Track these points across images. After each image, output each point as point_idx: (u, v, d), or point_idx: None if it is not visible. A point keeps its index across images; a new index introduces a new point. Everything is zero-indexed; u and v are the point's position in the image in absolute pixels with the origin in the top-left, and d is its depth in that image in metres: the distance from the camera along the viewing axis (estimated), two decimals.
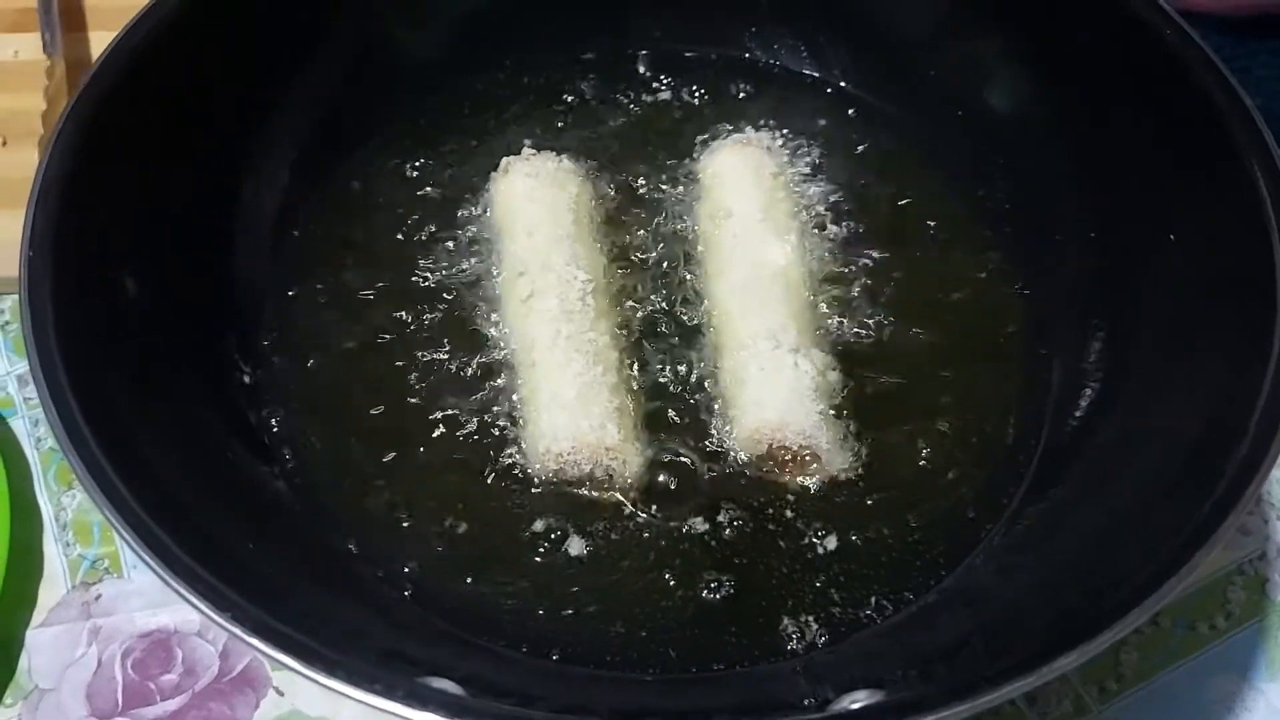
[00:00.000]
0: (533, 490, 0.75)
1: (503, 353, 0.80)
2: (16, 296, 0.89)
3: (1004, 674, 0.53)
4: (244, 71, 0.82)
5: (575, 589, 0.71)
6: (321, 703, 0.75)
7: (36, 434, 0.86)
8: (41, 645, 0.77)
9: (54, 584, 0.80)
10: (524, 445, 0.76)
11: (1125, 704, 0.76)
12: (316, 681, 0.54)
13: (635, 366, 0.80)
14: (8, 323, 0.91)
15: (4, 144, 0.97)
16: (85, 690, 0.76)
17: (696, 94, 0.94)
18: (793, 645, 0.69)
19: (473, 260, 0.86)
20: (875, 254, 0.85)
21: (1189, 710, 0.76)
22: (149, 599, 0.79)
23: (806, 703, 0.55)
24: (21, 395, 0.87)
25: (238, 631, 0.53)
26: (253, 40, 0.82)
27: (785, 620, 0.70)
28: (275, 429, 0.78)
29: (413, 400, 0.79)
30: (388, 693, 0.52)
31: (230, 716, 0.75)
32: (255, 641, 0.53)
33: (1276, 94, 1.25)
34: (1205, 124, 0.72)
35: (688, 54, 0.95)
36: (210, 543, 0.59)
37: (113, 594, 0.79)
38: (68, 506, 0.83)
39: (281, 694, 0.76)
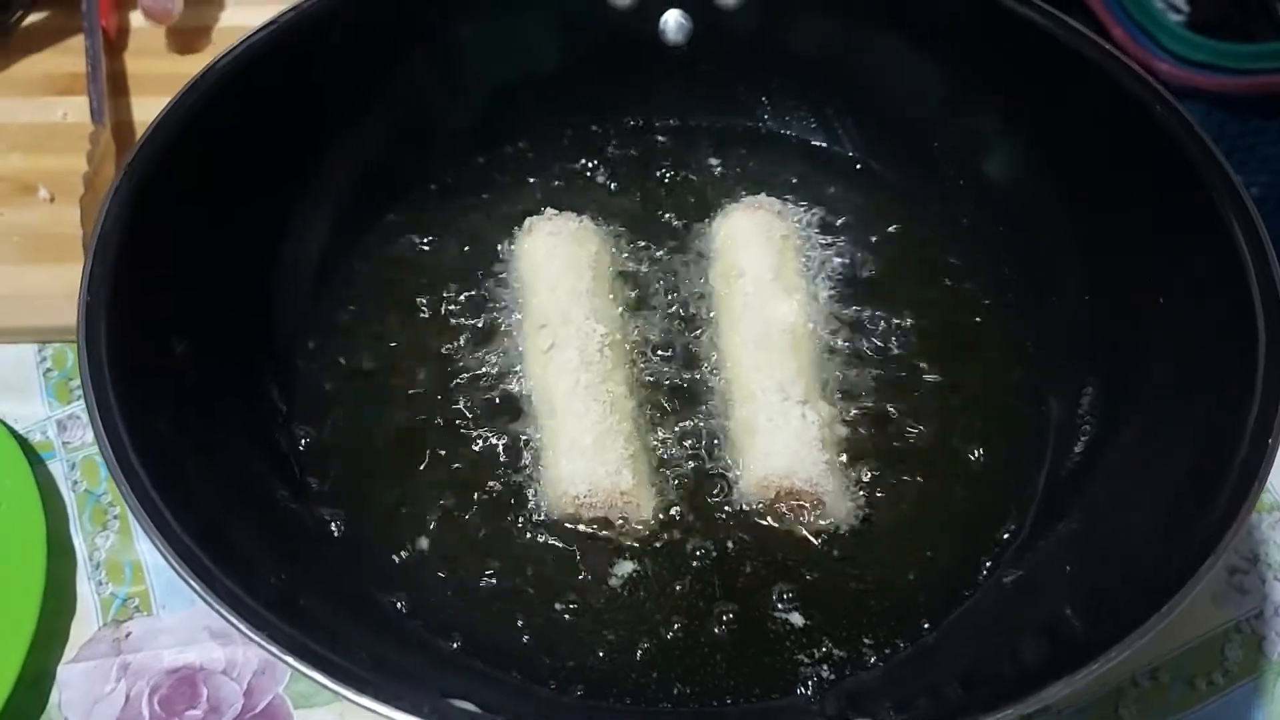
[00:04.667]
0: (550, 532, 0.76)
1: (524, 401, 0.81)
2: (57, 345, 0.94)
3: (989, 703, 0.54)
4: (289, 135, 0.84)
5: (591, 628, 0.72)
6: None
7: (73, 477, 0.87)
8: (72, 680, 0.78)
9: (86, 621, 0.81)
10: (543, 488, 0.77)
11: None
12: (342, 695, 0.54)
13: (649, 416, 0.81)
14: (49, 370, 0.92)
15: (51, 200, 1.00)
16: None
17: (712, 161, 0.96)
18: (797, 684, 0.69)
19: (497, 314, 0.87)
20: (881, 312, 0.86)
21: None
22: (177, 637, 0.80)
23: None
24: (60, 440, 0.89)
25: (273, 649, 0.55)
26: (299, 108, 0.84)
27: (789, 659, 0.71)
28: (314, 479, 0.79)
29: (438, 445, 0.80)
30: (414, 709, 0.53)
31: None
32: (290, 659, 0.54)
33: None
34: (1191, 195, 0.74)
35: (705, 124, 0.97)
36: (252, 572, 0.61)
37: (142, 632, 0.80)
38: (101, 546, 0.84)
39: None
